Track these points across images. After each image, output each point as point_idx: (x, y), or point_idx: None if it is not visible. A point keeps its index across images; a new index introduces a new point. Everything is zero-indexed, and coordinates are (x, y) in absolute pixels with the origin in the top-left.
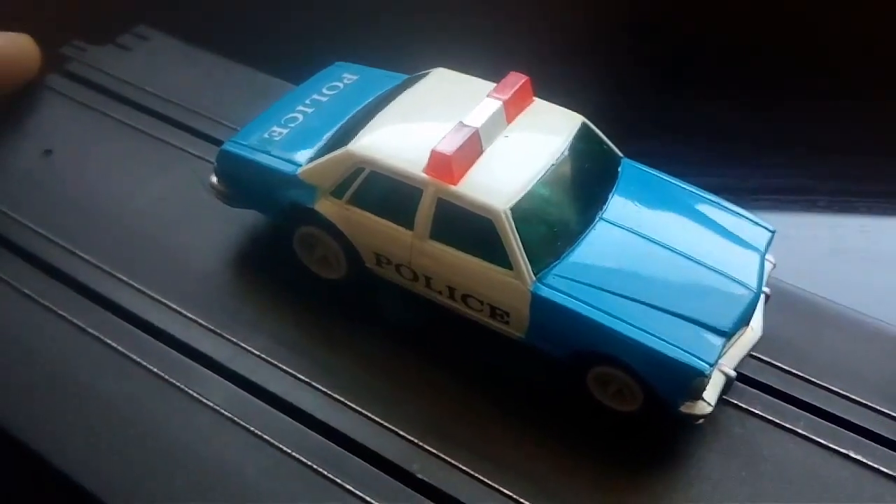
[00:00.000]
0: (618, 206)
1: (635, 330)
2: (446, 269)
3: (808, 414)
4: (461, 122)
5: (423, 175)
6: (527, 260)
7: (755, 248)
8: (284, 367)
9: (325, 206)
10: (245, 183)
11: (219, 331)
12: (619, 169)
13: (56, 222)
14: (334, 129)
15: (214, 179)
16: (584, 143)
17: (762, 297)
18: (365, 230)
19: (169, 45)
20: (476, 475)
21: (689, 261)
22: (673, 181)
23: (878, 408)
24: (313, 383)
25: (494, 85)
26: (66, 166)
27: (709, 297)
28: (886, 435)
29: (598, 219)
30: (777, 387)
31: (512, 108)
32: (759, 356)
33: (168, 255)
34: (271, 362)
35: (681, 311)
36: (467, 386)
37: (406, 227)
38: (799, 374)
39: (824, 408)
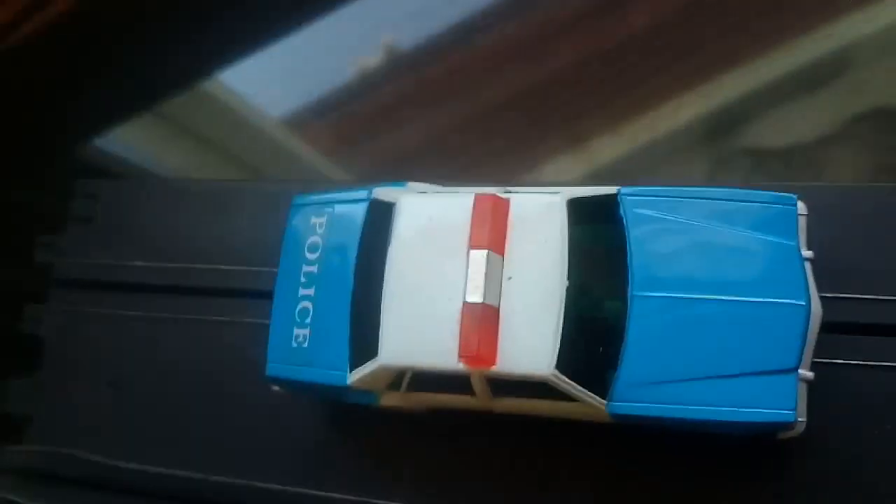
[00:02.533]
0: (641, 269)
1: (713, 409)
2: (521, 410)
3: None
4: (466, 302)
5: (461, 366)
6: (591, 394)
7: (789, 238)
8: None
9: (390, 400)
10: (305, 391)
11: None
12: (622, 213)
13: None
14: (348, 312)
15: (276, 388)
16: (580, 221)
17: (808, 264)
18: (432, 403)
19: (130, 191)
20: None
21: (734, 304)
22: (674, 196)
23: None
24: None
25: (470, 198)
26: (135, 395)
27: (766, 335)
28: None
29: (631, 299)
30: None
31: (497, 241)
32: None
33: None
34: None
35: (746, 367)
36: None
37: (469, 395)
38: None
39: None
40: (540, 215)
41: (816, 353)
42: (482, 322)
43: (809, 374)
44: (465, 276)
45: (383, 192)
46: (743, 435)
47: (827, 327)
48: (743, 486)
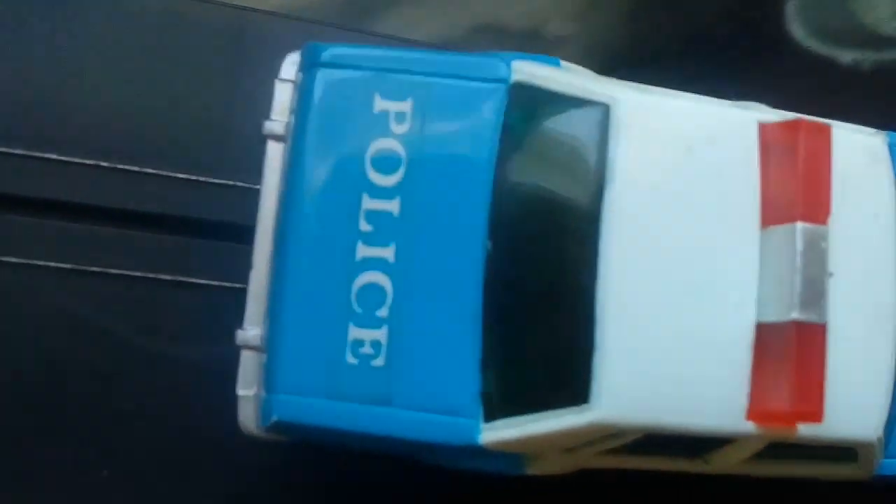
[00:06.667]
0: None
1: None
2: (753, 473)
3: None
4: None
5: (747, 426)
6: (881, 455)
7: None
8: None
9: (547, 466)
10: (348, 444)
11: None
12: None
13: None
14: (480, 303)
15: (267, 435)
16: None
17: None
18: (616, 464)
19: None
20: None
21: None
22: None
23: None
24: None
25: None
26: None
27: None
28: None
29: None
30: None
31: (820, 210)
32: None
33: None
34: None
35: None
36: None
37: (692, 459)
38: None
39: None
40: (863, 168)
41: None
42: (802, 354)
43: None
44: (758, 268)
45: (533, 71)
46: None
47: None
48: None
